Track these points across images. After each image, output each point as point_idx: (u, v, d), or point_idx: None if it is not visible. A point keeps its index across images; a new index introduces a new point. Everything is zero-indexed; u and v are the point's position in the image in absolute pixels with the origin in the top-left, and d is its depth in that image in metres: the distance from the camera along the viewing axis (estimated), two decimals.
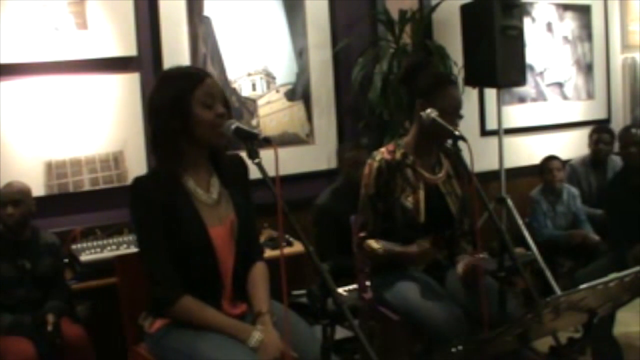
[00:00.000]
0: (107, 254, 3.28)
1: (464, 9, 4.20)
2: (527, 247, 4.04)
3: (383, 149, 2.69)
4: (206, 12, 3.94)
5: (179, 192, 2.04)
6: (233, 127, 1.95)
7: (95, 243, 3.41)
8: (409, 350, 2.65)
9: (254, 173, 1.94)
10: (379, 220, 2.65)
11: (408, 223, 2.61)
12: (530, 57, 4.75)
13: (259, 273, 2.18)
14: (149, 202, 2.00)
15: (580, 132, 4.89)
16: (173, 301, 1.99)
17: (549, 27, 5.16)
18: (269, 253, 3.18)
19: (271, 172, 1.80)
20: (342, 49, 4.27)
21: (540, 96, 5.16)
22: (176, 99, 2.00)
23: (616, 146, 4.59)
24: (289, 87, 4.20)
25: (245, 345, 1.94)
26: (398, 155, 2.66)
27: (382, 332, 2.75)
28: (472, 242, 2.77)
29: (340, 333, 3.24)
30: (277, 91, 4.17)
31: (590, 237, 4.25)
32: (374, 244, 2.62)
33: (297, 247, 3.54)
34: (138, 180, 2.07)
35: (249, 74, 4.08)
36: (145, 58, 3.78)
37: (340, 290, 3.25)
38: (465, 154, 2.36)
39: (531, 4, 5.02)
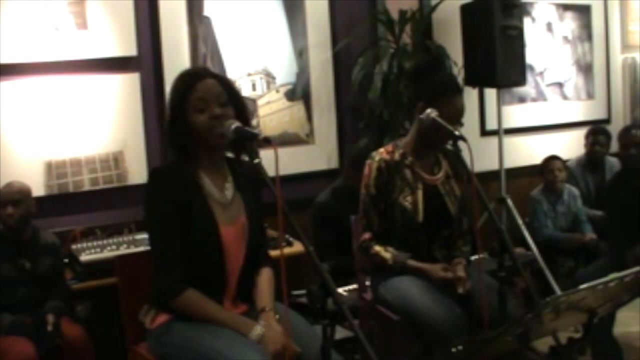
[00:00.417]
0: (107, 254, 3.28)
1: (464, 9, 4.20)
2: (527, 247, 4.04)
3: (382, 150, 2.69)
4: (206, 12, 3.94)
5: (194, 188, 2.05)
6: (233, 127, 1.96)
7: (95, 243, 3.41)
8: (409, 350, 2.65)
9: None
10: (382, 220, 2.65)
11: (407, 223, 2.60)
12: (530, 57, 4.75)
13: (265, 277, 2.20)
14: (165, 192, 2.02)
15: (580, 132, 4.88)
16: (177, 293, 2.00)
17: (549, 27, 5.16)
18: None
19: (271, 172, 1.80)
20: (342, 49, 4.27)
21: (540, 96, 5.16)
22: (174, 107, 2.05)
23: (613, 147, 4.59)
24: (289, 87, 4.20)
25: (248, 339, 1.95)
26: (397, 155, 2.65)
27: (382, 332, 2.76)
28: (471, 242, 2.77)
29: (340, 333, 3.25)
30: (277, 91, 4.17)
31: (589, 240, 4.25)
32: (383, 252, 2.63)
33: (297, 247, 3.54)
34: (156, 170, 2.11)
35: (249, 74, 4.08)
36: (145, 58, 3.78)
37: (340, 290, 3.27)
38: (465, 154, 2.36)
39: (531, 4, 5.02)
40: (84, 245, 3.40)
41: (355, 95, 4.29)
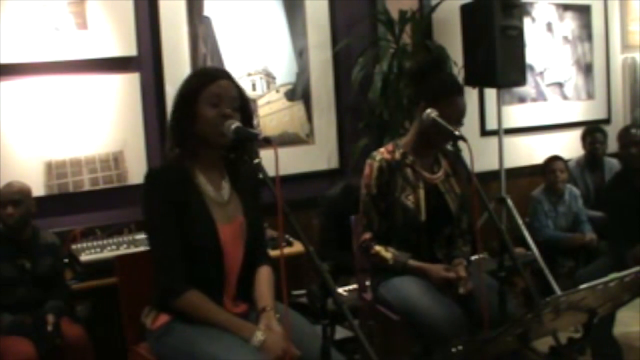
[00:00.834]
0: (107, 254, 3.28)
1: (464, 9, 4.20)
2: (527, 247, 4.04)
3: (383, 149, 2.69)
4: (206, 12, 3.94)
5: (190, 188, 2.05)
6: (233, 127, 1.96)
7: (95, 243, 3.41)
8: (409, 350, 2.65)
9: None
10: (383, 220, 2.65)
11: (409, 222, 2.60)
12: (530, 57, 4.75)
13: (264, 275, 2.19)
14: (162, 193, 2.02)
15: (580, 132, 4.89)
16: (179, 293, 2.00)
17: (549, 27, 5.16)
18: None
19: (271, 172, 1.80)
20: (342, 49, 4.27)
21: (540, 96, 5.16)
22: (185, 95, 2.05)
23: (611, 147, 4.59)
24: (289, 87, 4.20)
25: (248, 344, 1.94)
26: (397, 155, 2.66)
27: (382, 332, 2.76)
28: (471, 242, 2.77)
29: (340, 333, 3.25)
30: (277, 91, 4.17)
31: (589, 240, 4.25)
32: (384, 252, 2.63)
33: (297, 247, 3.54)
34: (152, 171, 2.10)
35: (249, 74, 4.08)
36: (145, 58, 3.78)
37: (340, 290, 3.27)
38: (465, 154, 2.36)
39: (531, 4, 5.02)
40: (84, 245, 3.40)
41: (355, 95, 4.29)
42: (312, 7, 4.23)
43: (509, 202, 4.18)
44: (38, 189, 3.44)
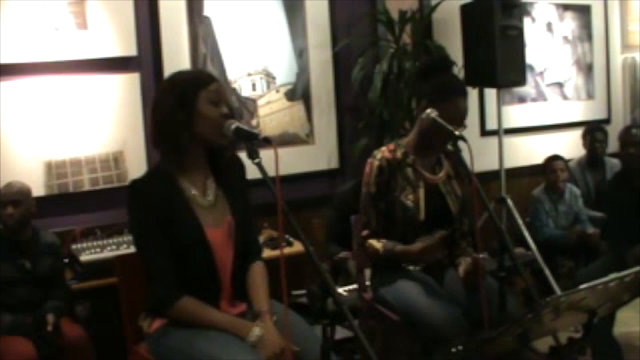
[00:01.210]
0: (107, 254, 3.28)
1: (464, 9, 4.19)
2: (527, 247, 4.04)
3: (384, 148, 2.69)
4: (206, 12, 3.94)
5: (175, 195, 2.04)
6: (233, 127, 1.96)
7: (95, 243, 3.41)
8: (409, 350, 2.65)
9: (254, 173, 1.94)
10: (381, 219, 2.65)
11: (408, 221, 2.60)
12: (530, 57, 4.74)
13: (258, 273, 2.18)
14: (146, 204, 2.01)
15: (580, 132, 4.89)
16: (172, 302, 2.00)
17: (549, 27, 5.16)
18: (268, 253, 3.18)
19: (271, 172, 1.80)
20: (342, 49, 4.27)
21: (540, 96, 5.16)
22: (184, 92, 2.01)
23: (612, 147, 4.59)
24: (289, 87, 4.20)
25: (244, 342, 1.94)
26: (399, 154, 2.65)
27: (382, 332, 2.76)
28: (472, 242, 2.77)
29: (340, 333, 3.25)
30: (277, 91, 4.17)
31: (592, 233, 4.26)
32: (375, 243, 2.63)
33: (297, 247, 3.54)
34: (135, 182, 2.08)
35: (249, 74, 4.08)
36: (145, 58, 3.78)
37: (340, 290, 3.27)
38: (465, 154, 2.35)
39: (531, 4, 5.02)
40: (84, 245, 3.40)
41: (355, 95, 4.29)
42: (312, 7, 4.23)
43: (509, 202, 4.17)
44: (38, 189, 3.44)
